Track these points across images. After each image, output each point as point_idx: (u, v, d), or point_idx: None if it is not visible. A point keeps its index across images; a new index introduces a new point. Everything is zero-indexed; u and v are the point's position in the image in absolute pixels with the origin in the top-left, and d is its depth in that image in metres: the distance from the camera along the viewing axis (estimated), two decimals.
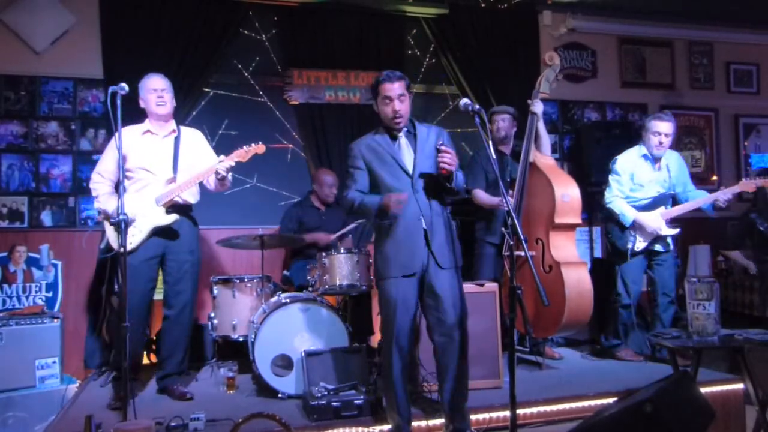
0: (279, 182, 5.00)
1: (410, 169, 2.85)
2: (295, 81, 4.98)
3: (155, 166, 3.42)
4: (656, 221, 4.05)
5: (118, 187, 3.42)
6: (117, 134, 2.97)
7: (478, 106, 2.63)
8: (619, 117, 5.88)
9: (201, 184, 3.56)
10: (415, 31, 5.34)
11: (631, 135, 5.45)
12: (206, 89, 4.87)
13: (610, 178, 4.23)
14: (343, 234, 4.46)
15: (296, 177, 4.97)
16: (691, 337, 3.18)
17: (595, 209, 5.54)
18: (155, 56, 4.54)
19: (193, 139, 3.63)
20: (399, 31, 5.27)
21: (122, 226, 2.87)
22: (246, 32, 4.96)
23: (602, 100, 5.85)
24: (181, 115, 4.67)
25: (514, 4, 5.28)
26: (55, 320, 3.93)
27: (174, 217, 3.39)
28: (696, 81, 6.14)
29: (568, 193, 3.88)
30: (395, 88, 2.83)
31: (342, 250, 3.89)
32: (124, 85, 3.17)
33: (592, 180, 5.34)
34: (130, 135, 3.42)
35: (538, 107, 4.03)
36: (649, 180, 4.13)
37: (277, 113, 5.04)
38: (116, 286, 3.49)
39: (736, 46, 6.25)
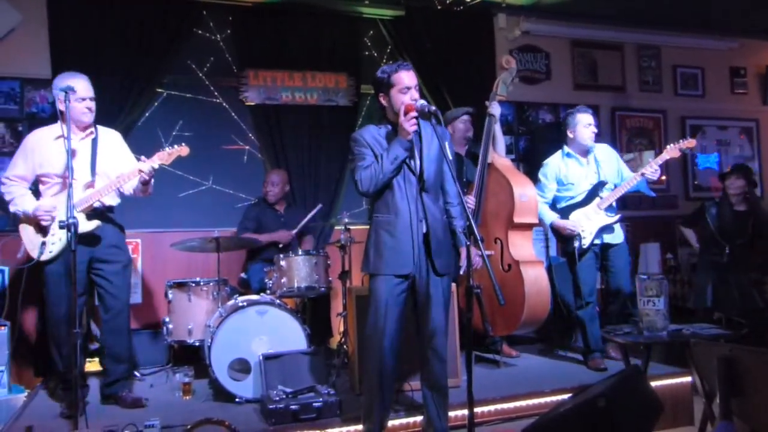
0: (235, 184, 4.93)
1: (416, 169, 2.74)
2: (250, 82, 4.91)
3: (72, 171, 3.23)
4: (585, 218, 3.94)
5: (36, 191, 3.37)
6: (65, 137, 2.93)
7: (434, 107, 2.65)
8: None
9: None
10: (372, 32, 5.35)
11: None
12: (159, 90, 4.76)
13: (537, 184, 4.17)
14: (305, 225, 4.41)
15: (252, 178, 4.90)
16: (641, 332, 3.28)
17: None
18: (106, 56, 4.42)
19: (112, 140, 3.48)
20: (356, 32, 5.26)
21: (72, 229, 2.80)
22: (200, 32, 4.88)
23: (556, 101, 5.95)
24: (133, 117, 4.58)
25: (469, 7, 5.34)
26: (2, 328, 3.79)
27: (95, 223, 3.26)
28: (645, 84, 6.32)
29: (526, 193, 3.94)
30: (413, 76, 2.74)
31: (300, 252, 3.87)
32: (72, 85, 3.12)
33: None
34: (42, 140, 3.29)
35: (495, 110, 4.08)
36: (578, 176, 4.04)
37: (233, 114, 4.97)
38: (47, 293, 3.35)
39: (682, 50, 6.46)
